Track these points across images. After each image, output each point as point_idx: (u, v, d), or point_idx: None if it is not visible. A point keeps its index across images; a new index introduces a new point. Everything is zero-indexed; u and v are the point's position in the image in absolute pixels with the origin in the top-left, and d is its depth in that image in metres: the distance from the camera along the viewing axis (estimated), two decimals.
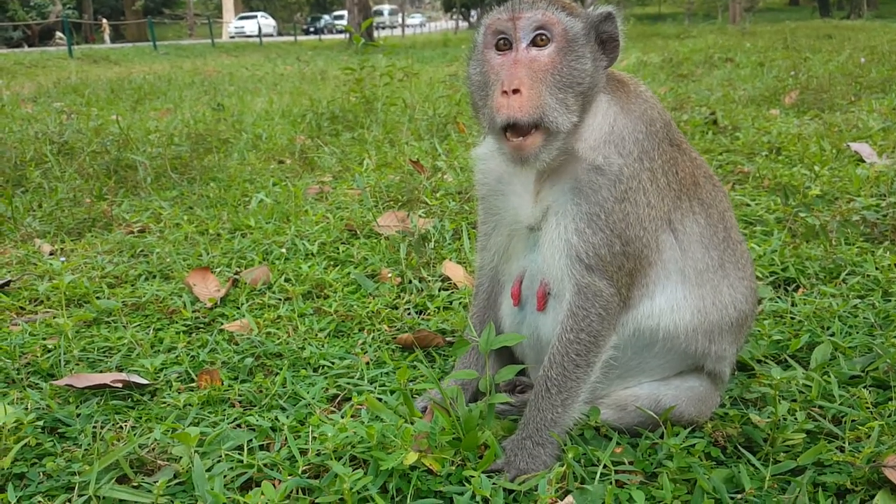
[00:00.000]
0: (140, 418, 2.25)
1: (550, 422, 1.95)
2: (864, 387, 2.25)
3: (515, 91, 1.78)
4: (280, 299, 3.26)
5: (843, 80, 8.90)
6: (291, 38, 44.84)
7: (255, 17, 55.19)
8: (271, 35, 46.68)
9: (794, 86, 8.55)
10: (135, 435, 2.12)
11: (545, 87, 1.82)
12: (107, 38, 43.75)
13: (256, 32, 49.52)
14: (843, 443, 1.96)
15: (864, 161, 5.15)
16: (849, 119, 6.75)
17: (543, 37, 1.85)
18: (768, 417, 2.02)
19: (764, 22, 32.01)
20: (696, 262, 2.03)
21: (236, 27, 52.15)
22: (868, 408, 2.06)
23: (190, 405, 2.30)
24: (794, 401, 2.18)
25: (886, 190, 4.24)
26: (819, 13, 40.70)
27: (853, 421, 2.04)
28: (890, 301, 2.90)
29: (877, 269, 3.19)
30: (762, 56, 12.95)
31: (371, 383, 2.47)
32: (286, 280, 3.44)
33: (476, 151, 2.20)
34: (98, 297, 3.26)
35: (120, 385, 2.39)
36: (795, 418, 2.01)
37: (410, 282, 3.38)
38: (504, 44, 1.89)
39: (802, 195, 4.22)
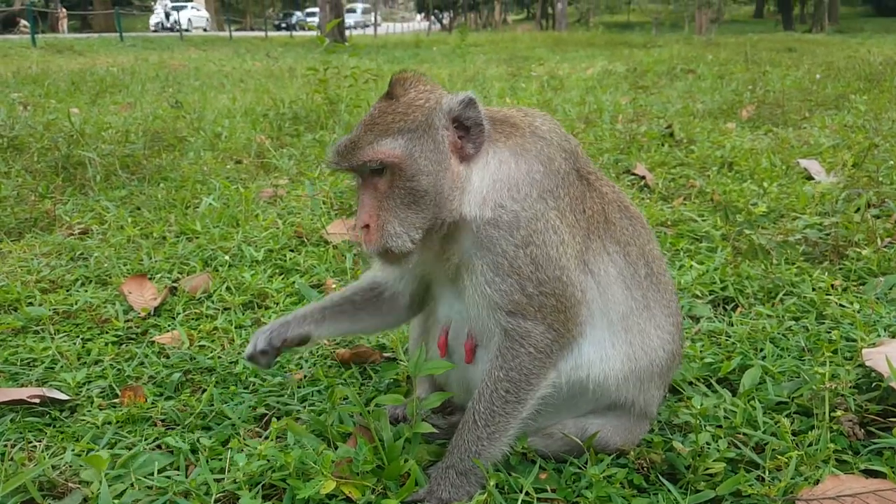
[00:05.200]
0: (56, 437, 2.18)
1: (475, 453, 1.92)
2: (788, 414, 2.27)
3: (365, 226, 1.87)
4: (219, 309, 3.19)
5: (799, 95, 9.06)
6: (262, 34, 44.18)
7: (185, 7, 49.58)
8: (204, 30, 42.61)
9: (752, 100, 8.68)
10: (47, 455, 2.04)
11: (388, 213, 1.86)
12: (64, 27, 42.01)
13: (185, 26, 43.94)
14: (763, 472, 1.97)
15: (812, 178, 5.24)
16: (801, 135, 6.87)
17: (375, 167, 1.86)
18: (692, 444, 2.02)
19: (729, 33, 32.56)
20: (618, 306, 2.00)
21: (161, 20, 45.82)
22: (790, 436, 2.07)
23: (109, 423, 2.23)
24: (720, 426, 2.19)
25: (831, 208, 4.31)
26: (782, 26, 41.54)
27: (774, 450, 2.05)
28: (823, 323, 2.94)
29: (813, 290, 3.23)
30: (723, 69, 13.13)
31: (301, 402, 2.42)
32: (227, 289, 3.37)
33: None
34: (29, 304, 3.16)
35: (37, 401, 2.30)
36: (718, 446, 2.01)
37: None
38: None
39: (748, 212, 4.27)
